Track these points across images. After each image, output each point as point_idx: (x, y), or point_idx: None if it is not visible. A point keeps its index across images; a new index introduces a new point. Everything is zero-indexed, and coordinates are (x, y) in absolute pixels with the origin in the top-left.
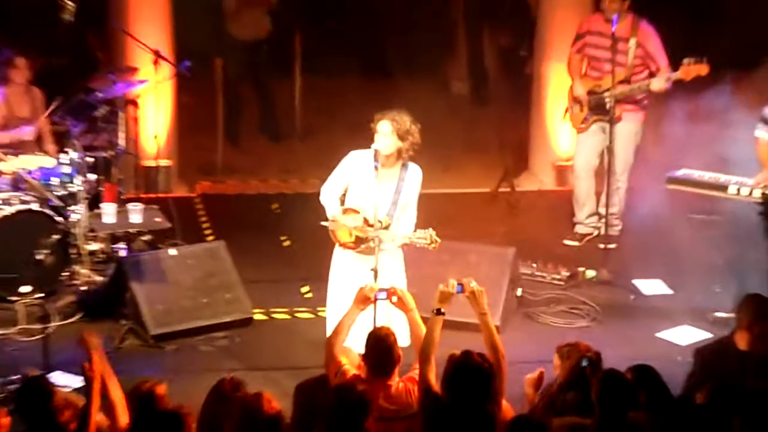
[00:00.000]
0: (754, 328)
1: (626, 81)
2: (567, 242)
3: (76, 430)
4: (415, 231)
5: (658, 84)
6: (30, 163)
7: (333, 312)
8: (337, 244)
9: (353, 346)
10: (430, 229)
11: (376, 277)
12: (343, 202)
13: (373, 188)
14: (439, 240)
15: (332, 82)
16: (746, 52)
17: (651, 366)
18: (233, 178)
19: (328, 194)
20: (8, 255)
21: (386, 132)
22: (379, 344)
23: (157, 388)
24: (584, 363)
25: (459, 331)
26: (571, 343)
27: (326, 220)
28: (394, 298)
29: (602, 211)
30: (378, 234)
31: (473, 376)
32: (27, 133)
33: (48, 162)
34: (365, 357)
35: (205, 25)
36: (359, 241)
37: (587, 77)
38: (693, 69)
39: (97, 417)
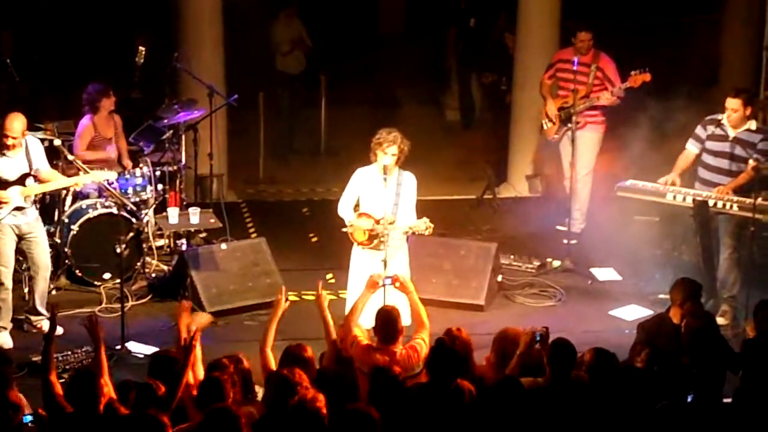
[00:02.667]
0: (685, 306)
1: (586, 97)
2: (559, 227)
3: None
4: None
5: (606, 97)
6: (110, 175)
7: (352, 295)
8: (354, 243)
9: (365, 323)
10: (425, 218)
11: (385, 266)
12: (356, 208)
13: (380, 194)
14: (432, 225)
15: (350, 111)
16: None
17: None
18: (272, 187)
19: (344, 207)
20: (94, 249)
21: (393, 153)
22: (386, 318)
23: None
24: (537, 337)
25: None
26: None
27: (345, 227)
28: (397, 284)
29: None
30: (387, 229)
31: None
32: (110, 151)
33: (126, 174)
34: (375, 329)
35: (252, 66)
36: (372, 238)
37: (557, 97)
38: (639, 77)
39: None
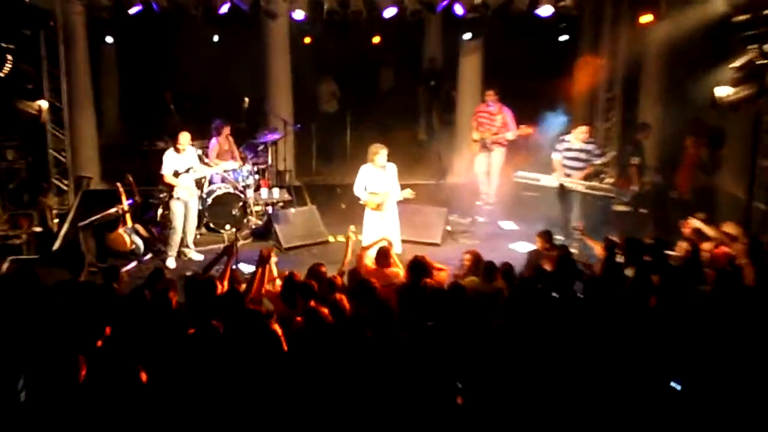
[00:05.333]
0: (546, 245)
1: (495, 134)
2: (478, 203)
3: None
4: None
5: (510, 136)
6: (228, 167)
7: (366, 237)
8: (367, 209)
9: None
10: (408, 189)
11: (383, 219)
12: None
13: (380, 179)
14: (414, 193)
15: (365, 134)
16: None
17: (510, 263)
18: (320, 177)
19: (359, 189)
20: (219, 212)
21: (385, 155)
22: (382, 251)
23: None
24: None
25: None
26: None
27: (361, 200)
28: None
29: (489, 191)
30: (388, 196)
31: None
32: (230, 165)
33: (235, 166)
34: (376, 258)
35: (308, 107)
36: (379, 205)
37: (479, 131)
38: (524, 130)
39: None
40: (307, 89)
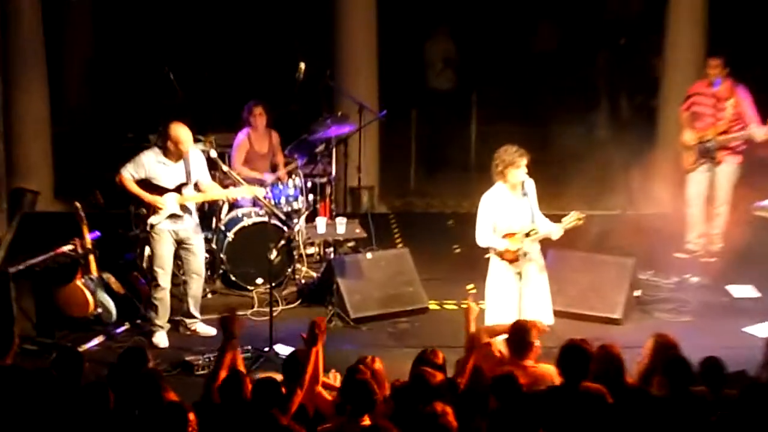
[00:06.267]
0: None
1: (725, 132)
2: (678, 255)
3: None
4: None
5: (756, 134)
6: (260, 192)
7: (490, 305)
8: (494, 258)
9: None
10: (573, 212)
11: (521, 277)
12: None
13: (516, 210)
14: (584, 214)
15: (500, 128)
16: None
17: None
18: (421, 200)
19: (485, 235)
20: (248, 255)
21: (524, 166)
22: (518, 330)
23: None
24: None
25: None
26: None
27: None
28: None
29: (710, 231)
30: (538, 236)
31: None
32: (267, 177)
33: (280, 185)
34: (507, 340)
35: (405, 83)
36: (517, 254)
37: (694, 129)
38: None
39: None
40: (403, 53)
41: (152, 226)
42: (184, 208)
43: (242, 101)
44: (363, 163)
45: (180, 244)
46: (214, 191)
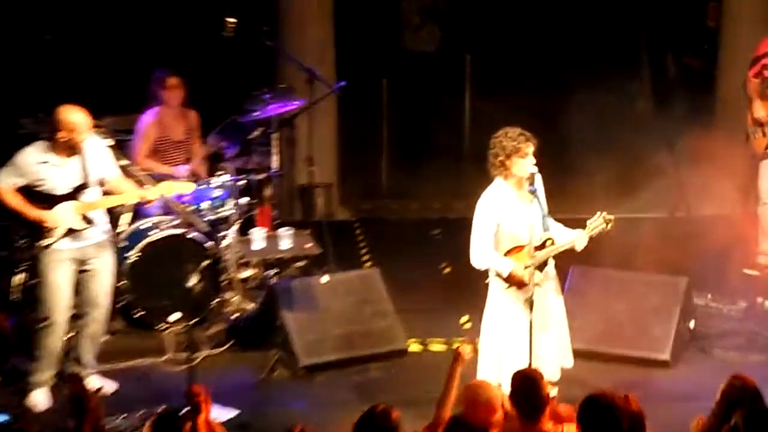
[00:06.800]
0: None
1: None
2: (747, 271)
3: None
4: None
5: None
6: (187, 187)
7: (486, 348)
8: (495, 282)
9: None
10: (599, 213)
11: (531, 308)
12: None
13: (525, 214)
14: (612, 217)
15: (503, 101)
16: None
17: None
18: (396, 202)
19: (485, 253)
20: (157, 282)
21: (532, 154)
22: (525, 383)
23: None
24: None
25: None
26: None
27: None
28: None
29: None
30: (555, 249)
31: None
32: (181, 171)
33: (201, 184)
34: (512, 398)
35: (371, 44)
36: (524, 274)
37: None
38: None
39: None
40: (369, 3)
41: (44, 248)
42: (87, 218)
43: (147, 73)
44: (316, 154)
45: (79, 265)
46: (127, 192)
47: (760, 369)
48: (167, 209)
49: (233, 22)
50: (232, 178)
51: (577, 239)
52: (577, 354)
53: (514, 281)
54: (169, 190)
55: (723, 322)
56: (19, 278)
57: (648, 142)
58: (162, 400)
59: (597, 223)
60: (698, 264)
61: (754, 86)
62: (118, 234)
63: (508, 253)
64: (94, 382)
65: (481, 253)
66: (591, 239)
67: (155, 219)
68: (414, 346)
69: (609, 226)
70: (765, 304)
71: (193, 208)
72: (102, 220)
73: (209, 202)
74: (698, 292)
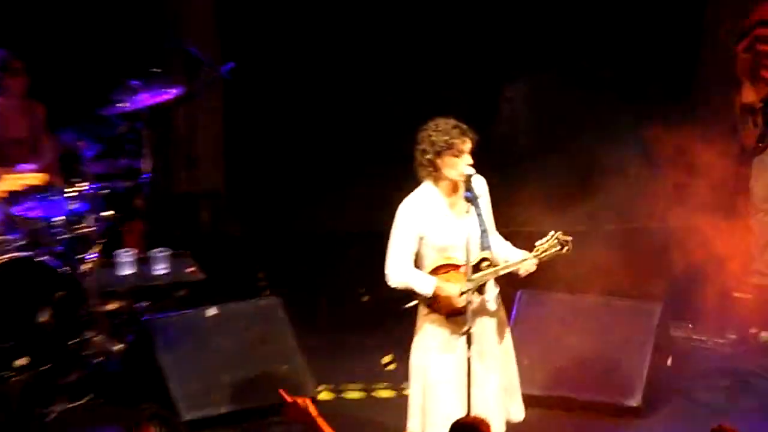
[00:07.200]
0: None
1: None
2: (737, 295)
3: None
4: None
5: None
6: (35, 179)
7: (415, 395)
8: (424, 313)
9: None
10: (552, 233)
11: (469, 340)
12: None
13: (459, 226)
14: (570, 238)
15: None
16: None
17: None
18: (302, 212)
19: (402, 269)
20: None
21: (468, 151)
22: None
23: None
24: None
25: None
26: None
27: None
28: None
29: None
30: (496, 271)
31: None
32: (31, 172)
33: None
34: None
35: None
36: (458, 303)
37: (760, 82)
38: None
39: None
40: None
41: None
42: None
43: None
44: (200, 154)
45: None
46: None
47: (752, 417)
48: (10, 224)
49: None
50: (93, 186)
51: (523, 263)
52: (528, 401)
53: (440, 304)
54: (13, 183)
55: (707, 358)
56: None
57: (613, 137)
58: None
59: (549, 244)
60: (676, 286)
61: (744, 64)
62: None
63: (435, 271)
64: None
65: (398, 267)
66: (542, 263)
67: None
68: (325, 394)
69: (566, 249)
70: (760, 336)
71: (43, 223)
72: None
73: (64, 216)
74: (676, 321)
